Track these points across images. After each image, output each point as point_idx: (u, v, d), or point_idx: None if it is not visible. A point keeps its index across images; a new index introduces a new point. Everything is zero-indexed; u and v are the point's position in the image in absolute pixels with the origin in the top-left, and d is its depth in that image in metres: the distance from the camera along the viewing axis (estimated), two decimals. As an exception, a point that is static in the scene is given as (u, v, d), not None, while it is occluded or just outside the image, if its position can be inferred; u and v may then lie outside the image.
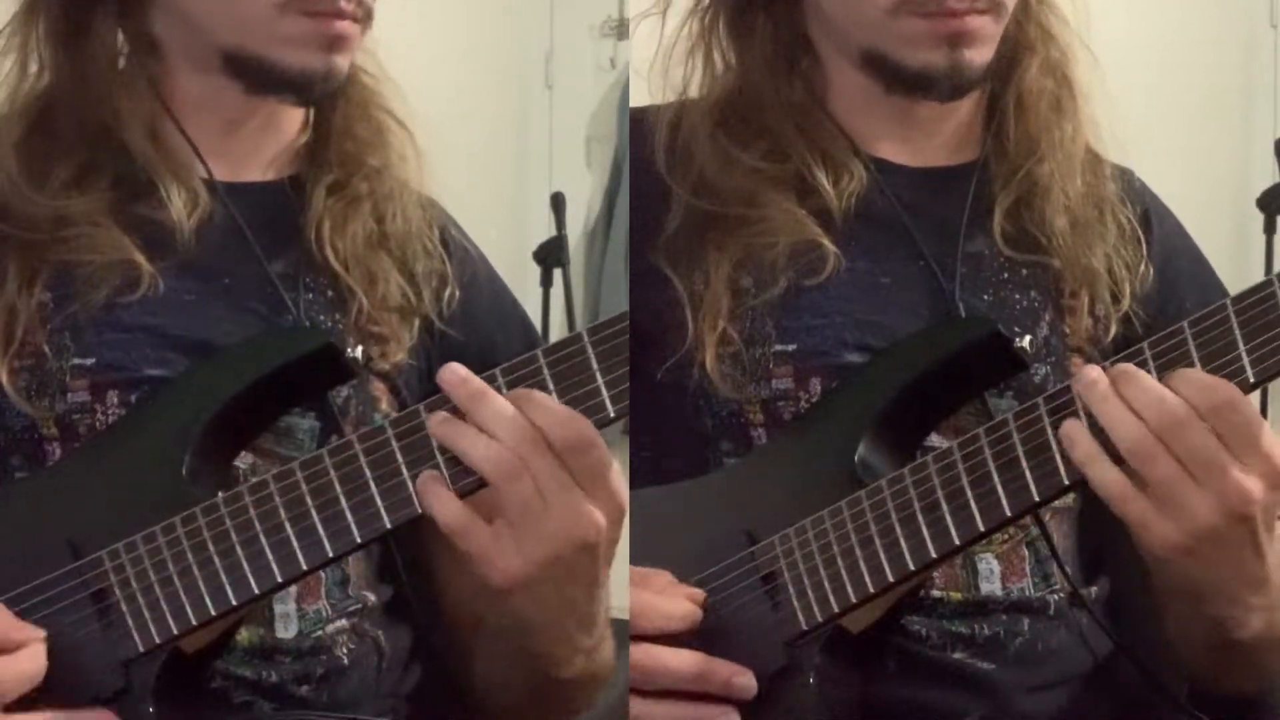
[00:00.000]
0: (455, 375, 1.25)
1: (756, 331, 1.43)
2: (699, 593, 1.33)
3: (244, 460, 1.38)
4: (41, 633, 1.28)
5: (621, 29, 3.99)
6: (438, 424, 1.25)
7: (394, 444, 1.26)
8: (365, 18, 1.41)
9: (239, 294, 1.42)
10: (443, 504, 1.25)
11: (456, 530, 1.25)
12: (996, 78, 1.48)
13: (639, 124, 1.51)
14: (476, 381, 1.25)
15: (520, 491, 1.23)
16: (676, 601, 1.33)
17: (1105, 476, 1.24)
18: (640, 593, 1.32)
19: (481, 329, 1.50)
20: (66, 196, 1.40)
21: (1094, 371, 1.25)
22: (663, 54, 1.51)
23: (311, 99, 1.44)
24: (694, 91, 1.51)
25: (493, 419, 1.23)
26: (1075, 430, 1.25)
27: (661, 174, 1.47)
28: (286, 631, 1.40)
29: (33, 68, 1.45)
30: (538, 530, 1.23)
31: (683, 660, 1.31)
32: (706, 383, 1.42)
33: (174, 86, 1.45)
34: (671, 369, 1.43)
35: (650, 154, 1.48)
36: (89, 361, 1.38)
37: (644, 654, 1.31)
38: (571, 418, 1.23)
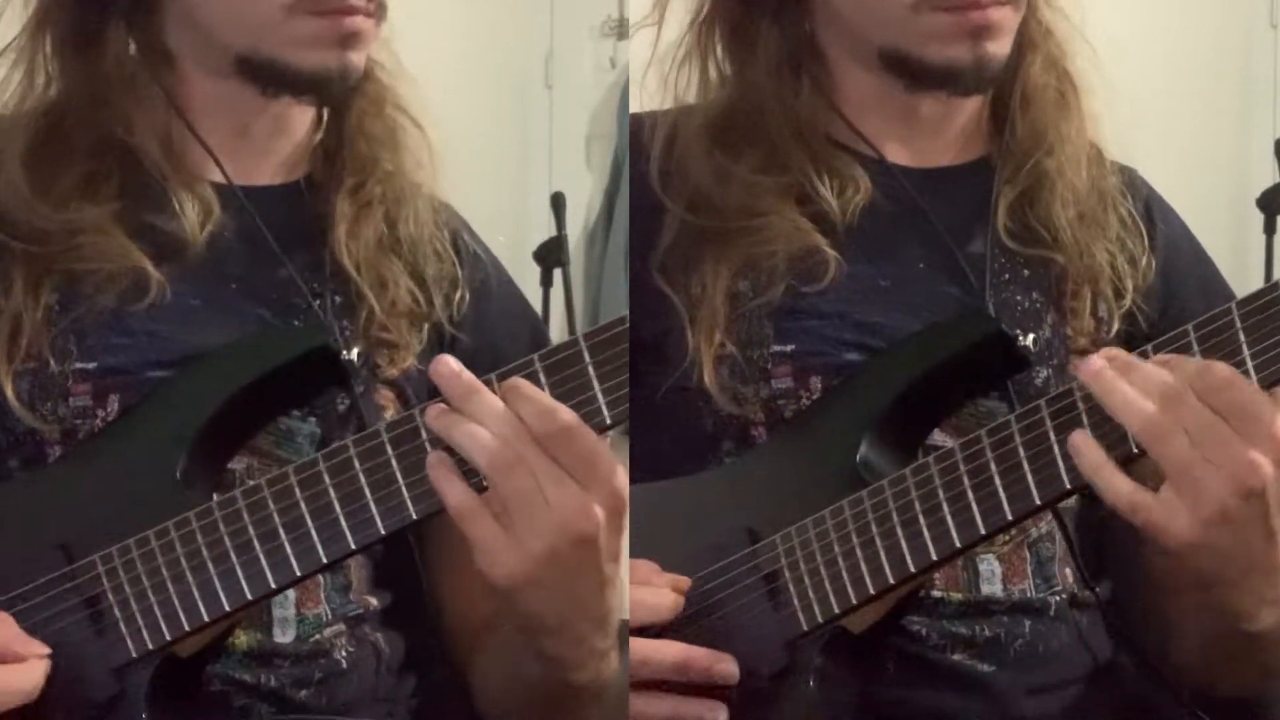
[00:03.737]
0: (448, 368, 1.23)
1: (754, 333, 1.42)
2: (683, 580, 1.33)
3: (241, 462, 1.37)
4: (45, 649, 1.27)
5: (621, 29, 3.98)
6: (434, 416, 1.23)
7: (389, 450, 1.25)
8: (378, 10, 1.40)
9: (247, 299, 1.42)
10: (451, 486, 1.23)
11: (464, 513, 1.23)
12: (1002, 73, 1.47)
13: (638, 130, 1.50)
14: (468, 376, 1.23)
15: (517, 485, 1.21)
16: (661, 594, 1.33)
17: (1114, 483, 1.23)
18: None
19: (491, 335, 1.49)
20: (73, 207, 1.39)
21: (1097, 361, 1.23)
22: (658, 64, 1.50)
23: (330, 98, 1.43)
24: (690, 101, 1.50)
25: (485, 414, 1.22)
26: (1081, 440, 1.24)
27: (656, 191, 1.46)
28: (284, 636, 1.39)
29: (40, 80, 1.45)
30: (534, 525, 1.21)
31: (664, 650, 1.31)
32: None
33: (187, 93, 1.44)
34: (672, 369, 1.42)
35: (645, 170, 1.47)
36: (91, 366, 1.37)
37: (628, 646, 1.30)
38: (551, 409, 1.21)
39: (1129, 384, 1.22)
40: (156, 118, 1.43)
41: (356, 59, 1.39)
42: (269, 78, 1.40)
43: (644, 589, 1.32)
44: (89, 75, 1.43)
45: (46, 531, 1.30)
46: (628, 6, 3.95)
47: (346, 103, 1.45)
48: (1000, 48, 1.42)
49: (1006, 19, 1.41)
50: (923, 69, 1.43)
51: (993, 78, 1.44)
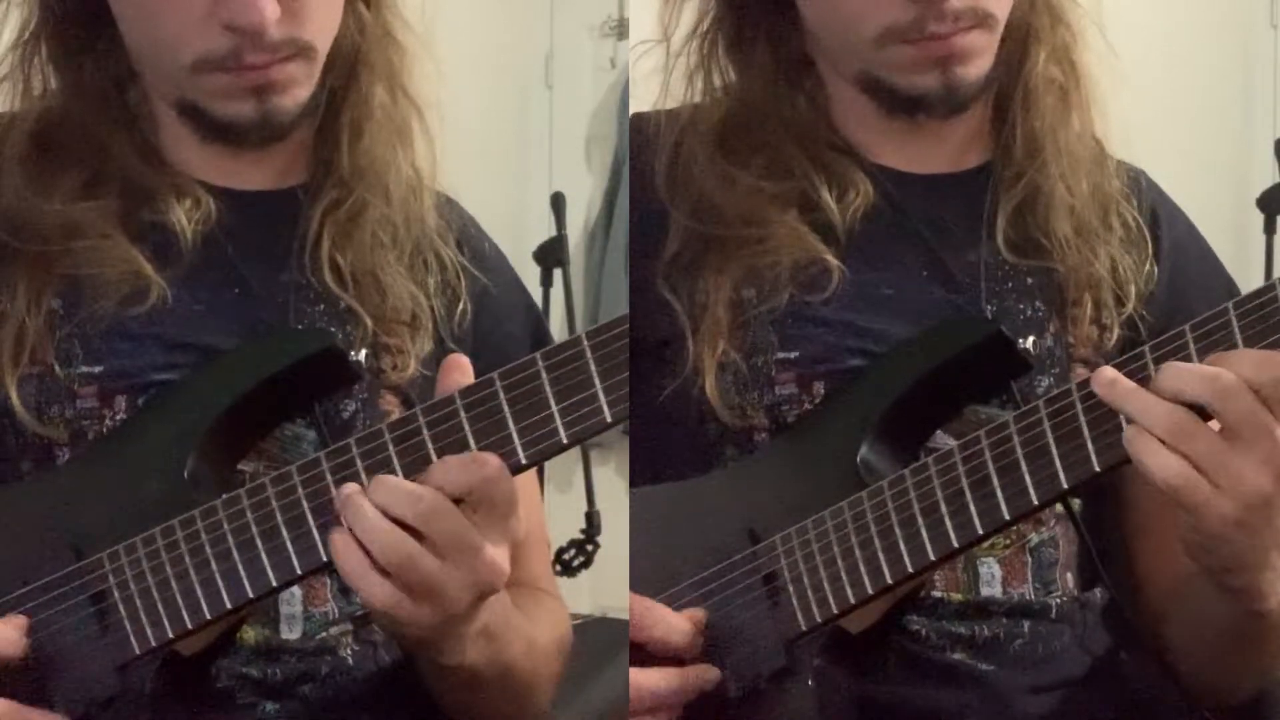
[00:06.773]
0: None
1: (759, 341, 1.42)
2: (699, 614, 1.34)
3: (249, 465, 1.37)
4: (22, 619, 1.28)
5: (621, 29, 3.99)
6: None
7: (391, 449, 1.25)
8: (299, 53, 1.38)
9: (249, 305, 1.42)
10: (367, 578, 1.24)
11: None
12: (1005, 72, 1.46)
13: (640, 129, 1.50)
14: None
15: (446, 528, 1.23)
16: (679, 616, 1.33)
17: (1167, 462, 1.19)
18: (642, 600, 1.33)
19: (491, 342, 1.49)
20: (75, 206, 1.40)
21: (1109, 372, 1.21)
22: (664, 79, 1.51)
23: (249, 144, 1.42)
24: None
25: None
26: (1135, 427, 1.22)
27: (662, 197, 1.46)
28: (291, 633, 1.40)
29: (38, 88, 1.45)
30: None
31: (665, 682, 1.31)
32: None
33: (158, 115, 1.45)
34: (674, 375, 1.43)
35: (651, 174, 1.48)
36: (97, 369, 1.38)
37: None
38: (413, 493, 1.22)
39: (1162, 389, 1.20)
40: (136, 138, 1.44)
41: (282, 101, 1.38)
42: (200, 123, 1.40)
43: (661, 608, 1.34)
44: (75, 91, 1.44)
45: (57, 530, 1.30)
46: (628, 6, 3.96)
47: (344, 92, 1.45)
48: (974, 70, 1.41)
49: (976, 42, 1.40)
50: (895, 96, 1.43)
51: (969, 99, 1.43)
